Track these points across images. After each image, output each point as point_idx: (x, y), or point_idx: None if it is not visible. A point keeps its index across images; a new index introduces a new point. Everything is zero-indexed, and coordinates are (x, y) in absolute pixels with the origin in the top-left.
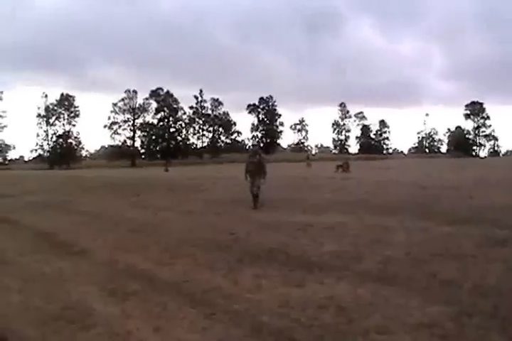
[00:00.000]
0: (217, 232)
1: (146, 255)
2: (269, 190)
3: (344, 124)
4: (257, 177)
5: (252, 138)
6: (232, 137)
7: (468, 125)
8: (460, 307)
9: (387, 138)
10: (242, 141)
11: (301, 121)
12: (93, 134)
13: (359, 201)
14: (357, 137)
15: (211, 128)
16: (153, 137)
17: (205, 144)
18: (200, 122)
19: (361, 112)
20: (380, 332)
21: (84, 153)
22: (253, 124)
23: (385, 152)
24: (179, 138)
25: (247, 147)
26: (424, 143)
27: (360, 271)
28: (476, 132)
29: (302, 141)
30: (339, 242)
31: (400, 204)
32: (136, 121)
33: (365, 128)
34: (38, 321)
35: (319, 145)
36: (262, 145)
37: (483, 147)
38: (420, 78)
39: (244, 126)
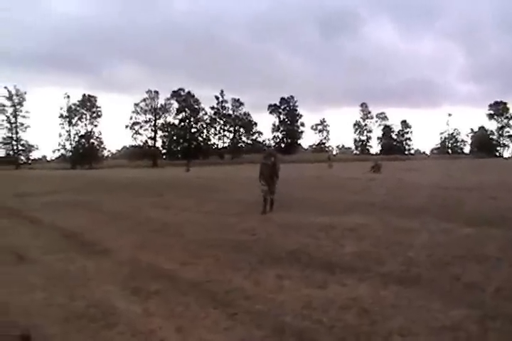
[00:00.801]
0: (238, 233)
1: (168, 255)
2: (289, 190)
3: (366, 125)
4: (271, 181)
5: (272, 139)
6: (253, 137)
7: (492, 125)
8: (484, 310)
9: (409, 139)
10: (263, 141)
11: (322, 122)
12: (115, 134)
13: (381, 202)
14: (378, 138)
15: (232, 129)
16: (175, 137)
17: (225, 144)
18: (221, 122)
19: (383, 113)
20: (403, 334)
21: (106, 153)
22: (274, 125)
23: (407, 153)
24: (200, 138)
25: (264, 148)
26: (447, 143)
27: (382, 272)
28: (500, 132)
29: (323, 141)
30: (361, 243)
31: (422, 206)
32: (158, 121)
33: (387, 129)
34: (61, 319)
35: (340, 146)
36: (283, 145)
37: (507, 147)
38: (441, 78)
39: (265, 126)
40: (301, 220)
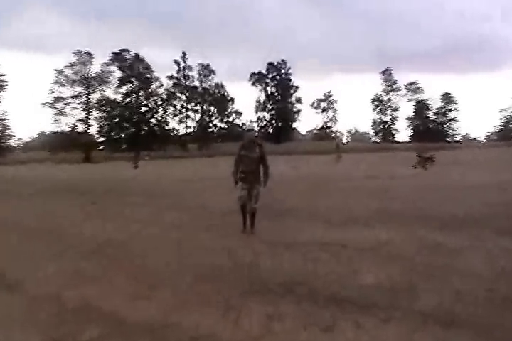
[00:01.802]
0: (210, 254)
1: (110, 287)
2: (281, 194)
3: (390, 100)
4: (255, 182)
5: (257, 121)
6: (229, 119)
7: None
8: None
9: (454, 120)
10: (243, 125)
11: (327, 97)
12: (27, 116)
13: (412, 210)
14: (408, 118)
15: (199, 107)
16: (116, 119)
17: (190, 130)
18: (184, 98)
19: (414, 82)
20: None
21: (14, 142)
22: (258, 101)
23: (450, 139)
24: (153, 120)
25: (244, 132)
26: None
27: (415, 310)
28: None
29: (328, 124)
30: (383, 269)
31: (474, 216)
32: (92, 96)
33: (421, 106)
34: None
35: (353, 131)
36: (271, 130)
37: None
38: (502, 29)
39: (246, 103)
40: (298, 236)
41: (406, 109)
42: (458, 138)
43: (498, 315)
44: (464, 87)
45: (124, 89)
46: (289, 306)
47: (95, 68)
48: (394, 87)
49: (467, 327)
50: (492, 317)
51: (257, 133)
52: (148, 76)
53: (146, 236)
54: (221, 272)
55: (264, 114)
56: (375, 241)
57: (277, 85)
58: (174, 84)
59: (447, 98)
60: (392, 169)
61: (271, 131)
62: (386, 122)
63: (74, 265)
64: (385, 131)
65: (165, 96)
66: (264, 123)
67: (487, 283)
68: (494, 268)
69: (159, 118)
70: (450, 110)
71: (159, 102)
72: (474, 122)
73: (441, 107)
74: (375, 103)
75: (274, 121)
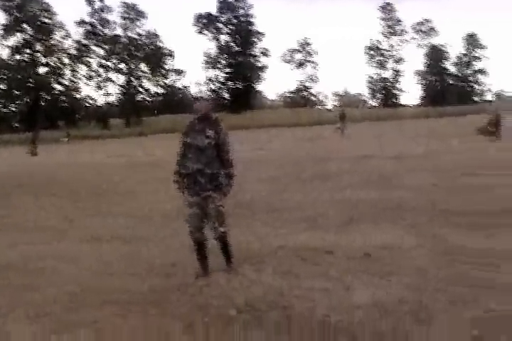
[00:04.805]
0: (149, 276)
1: None
2: (246, 185)
3: (392, 47)
4: (211, 189)
5: (206, 83)
6: (166, 81)
7: None
8: None
9: (483, 72)
10: (185, 88)
11: (304, 44)
12: None
13: (427, 203)
14: (418, 72)
15: (123, 66)
16: (2, 86)
17: (112, 99)
18: (101, 53)
19: (427, 20)
20: None
21: None
22: (208, 55)
23: (477, 99)
24: (58, 86)
25: (193, 101)
26: None
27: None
28: None
29: (306, 84)
30: (385, 285)
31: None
32: None
33: (436, 54)
34: None
35: (341, 93)
36: (227, 95)
37: None
38: None
39: (191, 58)
40: (268, 242)
41: (415, 59)
42: (489, 97)
43: None
44: (496, 27)
45: (12, 41)
46: None
47: None
48: (397, 28)
49: None
50: None
51: (210, 104)
52: (48, 21)
53: (49, 256)
54: (164, 300)
55: (217, 72)
56: (375, 246)
57: (234, 32)
58: (87, 34)
59: (473, 41)
60: (397, 145)
61: (226, 96)
62: (387, 79)
63: None
64: (387, 91)
65: (74, 51)
66: (217, 85)
67: None
68: None
69: (66, 82)
70: (477, 58)
71: (65, 60)
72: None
73: (465, 55)
74: (371, 52)
75: (230, 83)
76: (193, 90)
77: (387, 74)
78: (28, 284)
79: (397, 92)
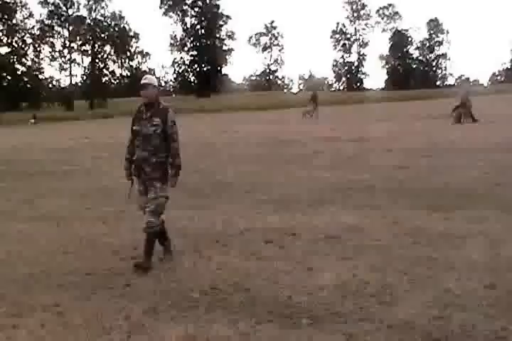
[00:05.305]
0: (103, 256)
1: None
2: (210, 167)
3: (357, 31)
4: (155, 178)
5: (173, 65)
6: (132, 64)
7: None
8: None
9: (444, 56)
10: (152, 71)
11: (270, 28)
12: None
13: (388, 184)
14: (382, 57)
15: (88, 47)
16: None
17: (77, 79)
18: (66, 35)
19: (390, 5)
20: None
21: None
22: (174, 38)
23: (439, 84)
24: (21, 67)
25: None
26: None
27: (391, 321)
28: None
29: (272, 68)
30: (348, 266)
31: (474, 189)
32: None
33: (400, 38)
34: None
35: (306, 76)
36: (192, 79)
37: None
38: None
39: (157, 41)
40: (233, 224)
41: (379, 43)
42: (451, 81)
43: (506, 322)
44: (458, 11)
45: None
46: (217, 324)
47: None
48: (362, 12)
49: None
50: (496, 326)
51: (154, 87)
52: (10, 0)
53: (8, 235)
54: (120, 281)
55: (183, 55)
56: (338, 227)
57: (200, 14)
58: (50, 14)
59: (435, 26)
60: (361, 128)
61: (192, 79)
62: (351, 63)
63: None
64: (352, 74)
65: (37, 32)
66: (183, 68)
67: (487, 278)
68: (497, 259)
69: (29, 63)
70: (439, 44)
71: (28, 40)
72: (473, 59)
73: (428, 39)
74: (336, 36)
75: (196, 65)
76: (158, 73)
77: (352, 58)
78: None
79: (362, 76)
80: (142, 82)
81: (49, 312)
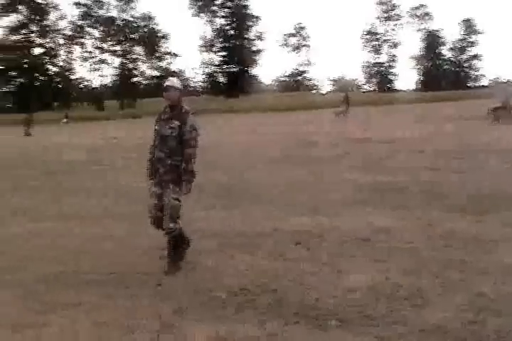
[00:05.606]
0: (131, 255)
1: None
2: (235, 167)
3: (387, 31)
4: (170, 181)
5: (202, 67)
6: (161, 64)
7: None
8: None
9: (477, 57)
10: (180, 71)
11: (299, 28)
12: None
13: (419, 186)
14: (414, 57)
15: (118, 48)
16: None
17: (107, 81)
18: (96, 35)
19: (422, 6)
20: None
21: None
22: (204, 39)
23: (470, 85)
24: (53, 68)
25: (164, 82)
26: None
27: (424, 325)
28: None
29: (301, 69)
30: (378, 268)
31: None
32: None
33: (432, 39)
34: None
35: (336, 78)
36: (221, 79)
37: None
38: None
39: (186, 42)
40: (259, 225)
41: (411, 44)
42: (484, 82)
43: None
44: (492, 11)
45: (6, 22)
46: (245, 324)
47: None
48: (393, 13)
49: None
50: None
51: (179, 93)
52: (43, 2)
53: (40, 234)
54: (148, 280)
55: (212, 55)
56: (367, 229)
57: (230, 15)
58: (82, 15)
59: (468, 26)
60: (392, 129)
61: (221, 79)
62: (382, 64)
63: None
64: (381, 76)
65: (69, 32)
66: (212, 68)
67: None
68: None
69: (61, 63)
70: (472, 44)
71: (60, 41)
72: (508, 60)
73: (462, 40)
74: (367, 37)
75: (225, 66)
76: (188, 74)
77: (383, 58)
78: (13, 265)
79: (392, 77)
80: (165, 84)
81: (78, 310)
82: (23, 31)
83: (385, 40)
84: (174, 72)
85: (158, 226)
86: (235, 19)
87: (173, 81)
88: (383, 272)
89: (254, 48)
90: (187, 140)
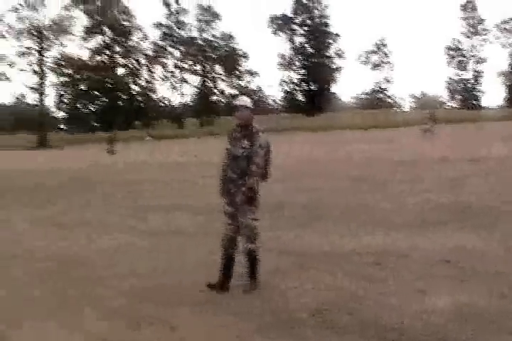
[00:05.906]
0: (204, 272)
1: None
2: (312, 187)
3: (473, 47)
4: (243, 201)
5: (282, 84)
6: (240, 83)
7: None
8: None
9: None
10: (258, 89)
11: (379, 46)
12: None
13: (506, 204)
14: (502, 73)
15: (198, 67)
16: (82, 87)
17: (187, 99)
18: (177, 55)
19: (511, 19)
20: None
21: None
22: (283, 57)
23: None
24: (135, 87)
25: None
26: None
27: None
28: None
29: (382, 86)
30: (463, 290)
31: None
32: (47, 54)
33: None
34: None
35: (418, 95)
36: (300, 97)
37: None
38: None
39: (266, 60)
40: (338, 245)
41: (497, 60)
42: None
43: None
44: None
45: (92, 43)
46: None
47: (51, 13)
48: (479, 27)
49: None
50: None
51: (250, 113)
52: (127, 24)
53: (125, 248)
54: (231, 299)
55: (291, 73)
56: (451, 249)
57: (309, 33)
58: (163, 36)
59: None
60: (479, 147)
61: (301, 97)
62: (467, 80)
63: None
64: (466, 92)
65: (151, 53)
66: (292, 87)
67: None
68: None
69: (143, 83)
70: None
71: (143, 61)
72: None
73: None
74: (451, 53)
75: (304, 84)
76: (266, 92)
77: (468, 75)
78: (97, 278)
79: (478, 94)
80: (235, 103)
81: (164, 326)
82: (108, 52)
83: (470, 56)
84: (253, 90)
85: (229, 246)
86: (314, 37)
87: (243, 100)
88: (467, 294)
89: (333, 66)
90: (252, 157)
